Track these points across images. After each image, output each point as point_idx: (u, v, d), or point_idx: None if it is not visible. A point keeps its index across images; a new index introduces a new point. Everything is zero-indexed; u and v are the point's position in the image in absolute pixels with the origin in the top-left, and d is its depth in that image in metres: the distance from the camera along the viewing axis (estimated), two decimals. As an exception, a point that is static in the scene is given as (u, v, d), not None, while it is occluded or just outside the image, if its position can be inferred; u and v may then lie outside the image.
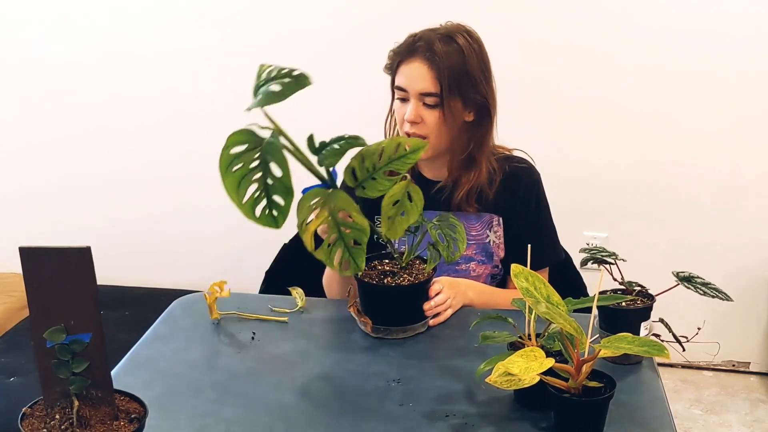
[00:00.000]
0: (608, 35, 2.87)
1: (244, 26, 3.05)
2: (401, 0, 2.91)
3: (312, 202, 1.42)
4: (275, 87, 1.36)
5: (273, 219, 1.35)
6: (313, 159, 1.44)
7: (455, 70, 1.80)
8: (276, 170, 1.34)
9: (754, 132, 2.90)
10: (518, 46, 2.91)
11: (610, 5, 2.85)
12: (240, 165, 1.34)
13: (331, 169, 1.45)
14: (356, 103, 2.87)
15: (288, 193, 1.34)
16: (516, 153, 1.99)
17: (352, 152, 1.47)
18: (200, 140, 3.19)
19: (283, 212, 1.36)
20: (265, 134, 1.35)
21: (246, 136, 1.35)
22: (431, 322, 1.70)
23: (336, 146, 1.43)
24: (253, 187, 1.35)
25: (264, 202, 1.35)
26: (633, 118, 2.94)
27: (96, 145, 3.24)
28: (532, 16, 2.89)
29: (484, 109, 1.86)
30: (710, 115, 2.90)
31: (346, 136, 1.44)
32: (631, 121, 2.95)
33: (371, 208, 1.51)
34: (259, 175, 1.34)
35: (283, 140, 1.34)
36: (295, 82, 1.35)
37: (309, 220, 1.42)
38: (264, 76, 1.39)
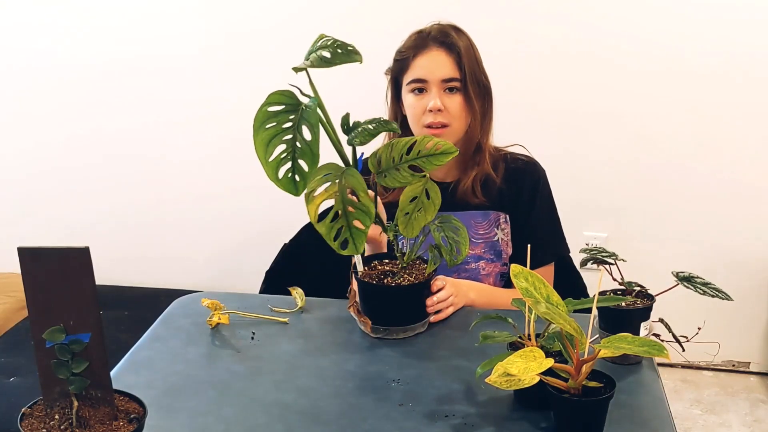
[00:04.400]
0: (608, 37, 2.87)
1: (247, 31, 3.05)
2: (407, 4, 2.91)
3: (324, 175, 1.44)
4: (326, 54, 1.45)
5: (294, 184, 1.38)
6: (343, 139, 1.48)
7: (470, 56, 1.87)
8: (307, 134, 1.38)
9: (754, 132, 2.90)
10: (519, 47, 2.91)
11: (612, 8, 2.85)
12: (273, 123, 1.38)
13: (359, 155, 1.47)
14: (358, 107, 2.87)
15: (314, 160, 1.38)
16: (512, 149, 2.01)
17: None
18: (200, 142, 3.19)
19: (305, 178, 1.39)
20: (304, 100, 1.40)
21: (286, 97, 1.40)
22: (432, 318, 1.70)
23: (370, 127, 1.48)
24: (281, 147, 1.38)
25: (289, 164, 1.38)
26: (633, 118, 2.94)
27: (96, 147, 3.25)
28: (533, 17, 2.88)
29: (488, 97, 1.93)
30: (710, 116, 2.90)
31: (381, 120, 1.51)
32: (631, 122, 2.95)
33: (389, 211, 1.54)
34: (289, 136, 1.38)
35: (318, 111, 1.39)
36: (345, 54, 1.46)
37: (317, 192, 1.45)
38: (319, 43, 1.46)
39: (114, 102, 3.18)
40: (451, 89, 1.85)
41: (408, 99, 1.89)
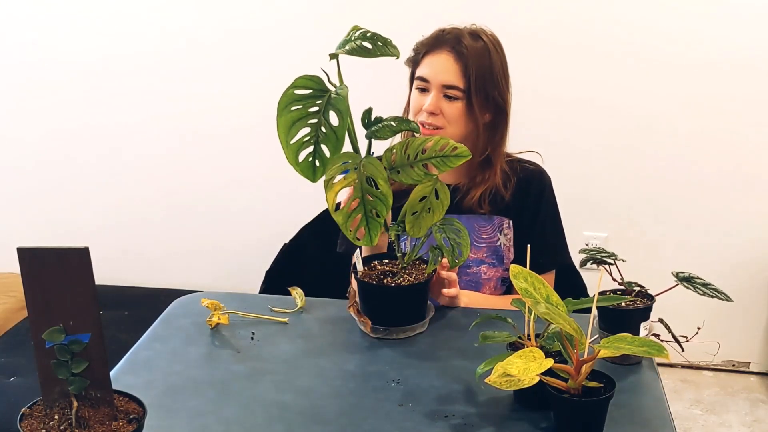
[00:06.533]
0: (608, 35, 2.87)
1: (245, 28, 3.04)
2: (408, 4, 2.91)
3: (342, 163, 1.44)
4: (366, 44, 1.46)
5: (313, 169, 1.38)
6: (360, 133, 1.49)
7: (481, 67, 1.83)
8: (334, 120, 1.38)
9: (754, 132, 2.90)
10: (517, 46, 2.90)
11: (612, 5, 2.84)
12: (299, 106, 1.38)
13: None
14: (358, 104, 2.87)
15: (337, 146, 1.38)
16: (525, 155, 1.99)
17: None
18: (200, 140, 3.19)
19: (325, 164, 1.39)
20: (331, 87, 1.40)
21: (314, 81, 1.40)
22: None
23: (392, 123, 1.50)
24: (305, 131, 1.38)
25: (311, 148, 1.38)
26: (633, 118, 2.94)
27: (95, 145, 3.24)
28: (531, 15, 2.88)
29: (501, 112, 1.89)
30: (710, 115, 2.90)
31: (403, 118, 1.53)
32: (630, 122, 2.95)
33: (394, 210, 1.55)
34: (314, 120, 1.38)
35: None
36: (385, 47, 1.48)
37: (336, 179, 1.45)
38: (357, 34, 1.48)
39: (113, 98, 3.18)
40: (449, 97, 1.83)
41: (413, 92, 1.90)
